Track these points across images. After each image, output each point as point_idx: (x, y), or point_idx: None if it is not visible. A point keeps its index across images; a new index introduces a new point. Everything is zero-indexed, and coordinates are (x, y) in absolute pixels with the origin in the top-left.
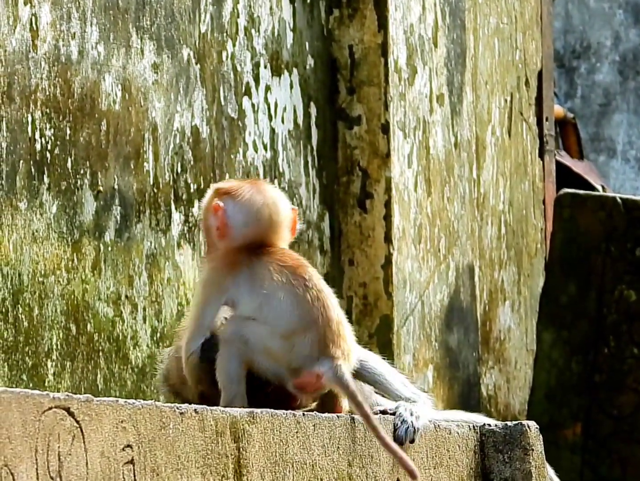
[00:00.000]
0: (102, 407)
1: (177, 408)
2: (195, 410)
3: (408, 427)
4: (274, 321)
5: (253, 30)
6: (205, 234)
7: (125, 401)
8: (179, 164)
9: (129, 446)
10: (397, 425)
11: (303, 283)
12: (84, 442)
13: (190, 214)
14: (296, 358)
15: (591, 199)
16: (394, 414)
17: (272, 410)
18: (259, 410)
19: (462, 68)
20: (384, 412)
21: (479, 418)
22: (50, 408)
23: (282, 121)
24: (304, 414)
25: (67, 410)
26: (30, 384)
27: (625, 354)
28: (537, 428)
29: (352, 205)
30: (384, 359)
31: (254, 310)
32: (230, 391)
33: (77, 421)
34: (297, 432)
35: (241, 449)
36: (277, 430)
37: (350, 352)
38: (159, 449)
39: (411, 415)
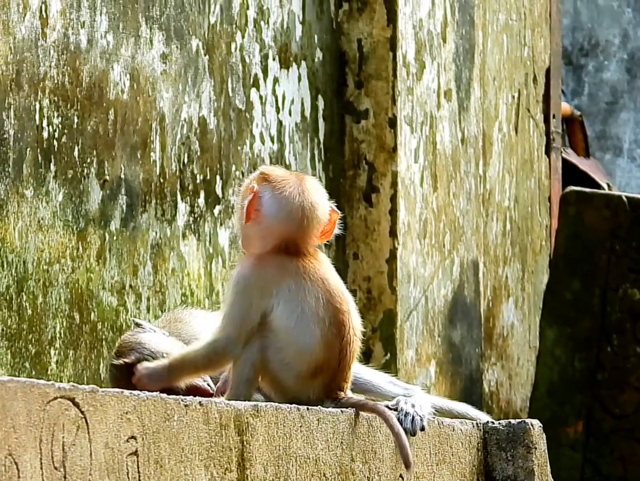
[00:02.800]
0: (107, 398)
1: (182, 400)
2: (199, 402)
3: (413, 418)
4: (298, 347)
5: (262, 22)
6: (237, 215)
7: (130, 393)
8: (186, 155)
9: (133, 437)
10: (401, 419)
11: (337, 316)
12: (88, 433)
13: (196, 204)
14: (301, 394)
15: (597, 197)
16: (395, 410)
17: (277, 404)
18: (263, 404)
19: (470, 64)
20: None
21: (473, 411)
22: (55, 398)
23: (290, 114)
24: (308, 408)
25: (72, 400)
26: (33, 372)
27: (629, 352)
28: (540, 426)
29: (358, 199)
30: (387, 353)
31: (284, 326)
32: (237, 392)
33: (82, 412)
34: (300, 426)
35: (245, 442)
36: (281, 424)
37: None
38: (163, 441)
39: (412, 406)
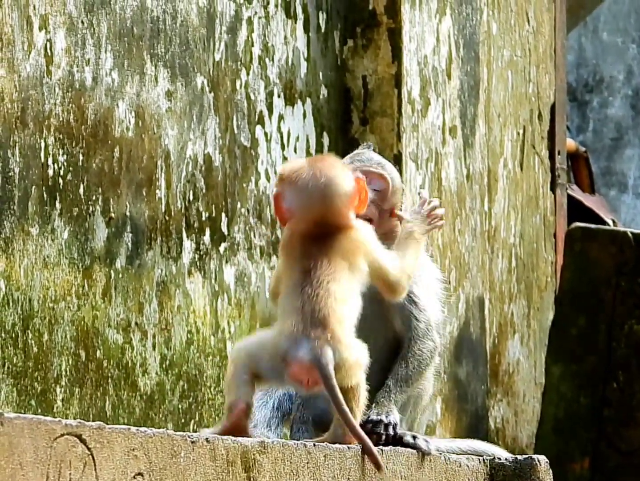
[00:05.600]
0: (113, 435)
1: (189, 437)
2: (206, 439)
3: (426, 439)
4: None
5: (267, 59)
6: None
7: (137, 429)
8: (191, 192)
9: (139, 474)
10: (409, 442)
11: (311, 272)
12: (95, 469)
13: (202, 242)
14: (281, 342)
15: (602, 233)
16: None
17: (283, 440)
18: (269, 440)
19: (475, 100)
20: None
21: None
22: (62, 435)
23: (295, 150)
24: (314, 444)
25: (79, 436)
26: (39, 410)
27: (634, 388)
28: (547, 462)
29: None
30: None
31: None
32: (230, 396)
33: (89, 448)
34: (307, 463)
35: (252, 479)
36: (287, 460)
37: (338, 337)
38: (170, 477)
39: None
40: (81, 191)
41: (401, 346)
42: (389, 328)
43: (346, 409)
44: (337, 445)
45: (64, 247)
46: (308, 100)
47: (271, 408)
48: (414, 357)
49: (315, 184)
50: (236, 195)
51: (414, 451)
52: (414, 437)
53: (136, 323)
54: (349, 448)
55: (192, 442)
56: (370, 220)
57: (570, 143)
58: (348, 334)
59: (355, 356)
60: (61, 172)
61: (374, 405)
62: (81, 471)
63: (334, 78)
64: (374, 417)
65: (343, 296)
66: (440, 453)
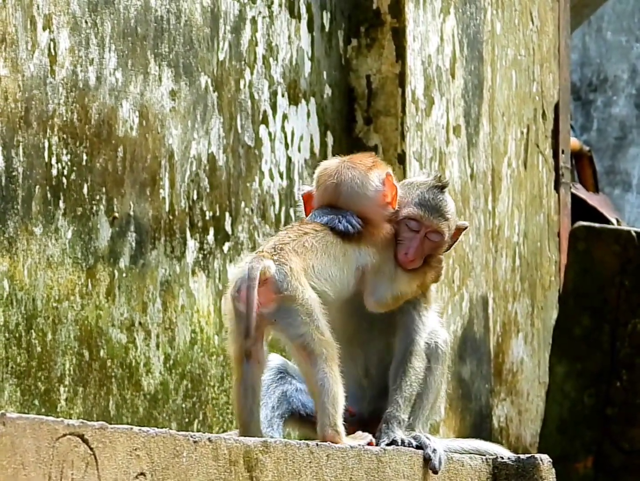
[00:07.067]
0: (116, 434)
1: (191, 437)
2: (209, 438)
3: (440, 456)
4: None
5: (271, 59)
6: None
7: (140, 429)
8: (195, 192)
9: (142, 474)
10: (429, 455)
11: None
12: (97, 469)
13: (206, 241)
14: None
15: (606, 232)
16: (420, 446)
17: (286, 440)
18: (272, 440)
19: (479, 99)
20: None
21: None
22: (64, 435)
23: (299, 150)
24: (317, 444)
25: (82, 436)
26: (43, 410)
27: (638, 388)
28: (549, 461)
29: None
30: None
31: None
32: None
33: (91, 448)
34: (310, 462)
35: (254, 478)
36: (290, 460)
37: (289, 262)
38: (172, 477)
39: (428, 439)
40: (85, 190)
41: (396, 358)
42: (387, 337)
43: (252, 307)
44: (338, 445)
45: (67, 246)
46: (312, 99)
47: (270, 408)
48: (413, 371)
49: (336, 182)
50: (240, 194)
51: (418, 451)
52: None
53: (140, 323)
54: (351, 447)
55: (195, 442)
56: (413, 260)
57: (574, 142)
58: (310, 273)
59: (307, 295)
60: (65, 172)
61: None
62: (83, 471)
63: (338, 77)
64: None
65: (319, 250)
66: (445, 453)
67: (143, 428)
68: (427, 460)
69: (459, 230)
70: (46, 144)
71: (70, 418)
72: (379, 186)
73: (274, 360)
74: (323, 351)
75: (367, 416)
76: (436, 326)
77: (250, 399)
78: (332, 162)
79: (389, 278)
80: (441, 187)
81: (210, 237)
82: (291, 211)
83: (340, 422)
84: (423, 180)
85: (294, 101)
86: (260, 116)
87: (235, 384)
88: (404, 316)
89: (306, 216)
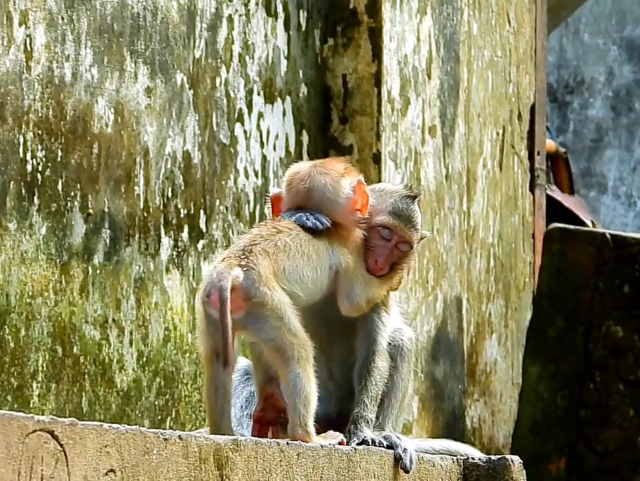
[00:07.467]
0: (86, 431)
1: (162, 434)
2: (179, 436)
3: (411, 455)
4: None
5: (247, 57)
6: None
7: (110, 426)
8: (170, 189)
9: (112, 470)
10: (400, 454)
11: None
12: (67, 466)
13: (180, 239)
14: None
15: (581, 234)
16: (390, 446)
17: (257, 438)
18: (243, 438)
19: (455, 100)
20: (372, 442)
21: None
22: (34, 431)
23: (274, 148)
24: (288, 443)
25: (52, 433)
26: (15, 405)
27: (612, 390)
28: (520, 462)
29: None
30: None
31: None
32: None
33: (61, 445)
34: (280, 461)
35: (224, 476)
36: (260, 458)
37: (258, 267)
38: (142, 474)
39: (399, 438)
40: (59, 186)
41: (359, 359)
42: (351, 337)
43: (228, 335)
44: (309, 444)
45: (41, 243)
46: (288, 98)
47: (239, 407)
48: (378, 371)
49: (308, 187)
50: (215, 192)
51: (388, 450)
52: (395, 446)
53: (113, 320)
54: (322, 446)
55: (165, 439)
56: (381, 268)
57: (550, 144)
58: (280, 275)
59: (276, 300)
60: (40, 168)
61: (355, 424)
62: (53, 468)
63: (314, 76)
64: (367, 437)
65: (292, 248)
66: (415, 452)
67: (113, 425)
68: (397, 460)
69: (422, 239)
70: (21, 140)
71: (43, 414)
72: (350, 193)
73: (241, 362)
74: (295, 353)
75: (335, 417)
76: (400, 324)
77: (221, 398)
78: (304, 166)
79: (363, 281)
80: (413, 197)
81: (185, 234)
82: (266, 209)
83: (311, 423)
84: (394, 188)
85: (269, 99)
86: (236, 114)
87: (206, 383)
88: (364, 319)
89: (274, 217)
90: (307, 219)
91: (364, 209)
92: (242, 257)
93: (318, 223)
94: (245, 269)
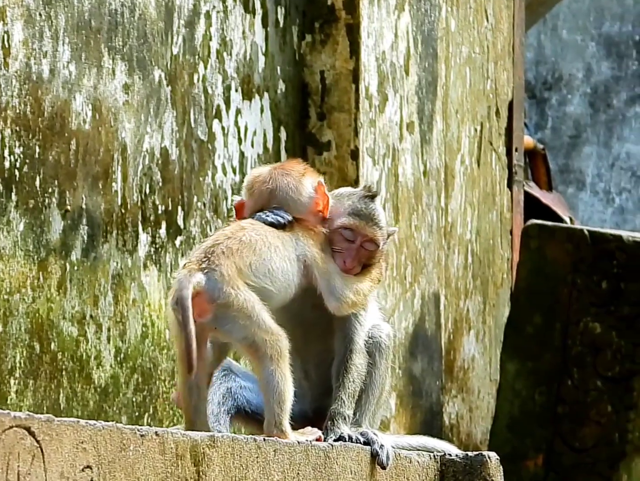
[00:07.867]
0: (62, 427)
1: (138, 430)
2: (156, 432)
3: (388, 451)
4: None
5: (225, 54)
6: None
7: (86, 422)
8: (148, 185)
9: (88, 467)
10: (376, 451)
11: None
12: (43, 462)
13: (158, 235)
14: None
15: (559, 230)
16: (367, 442)
17: (233, 435)
18: (219, 434)
19: (432, 96)
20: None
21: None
22: (10, 427)
23: (252, 145)
24: (264, 439)
25: (28, 429)
26: None
27: (589, 386)
28: (497, 458)
29: None
30: None
31: None
32: None
33: (38, 441)
34: (257, 457)
35: (201, 473)
36: (237, 455)
37: (222, 270)
38: (118, 471)
39: (376, 435)
40: (37, 183)
41: (337, 357)
42: (327, 337)
43: (190, 336)
44: (286, 440)
45: (19, 239)
46: (266, 94)
47: (217, 404)
48: (355, 368)
49: (270, 188)
50: (192, 189)
51: (365, 446)
52: (372, 442)
53: (91, 316)
54: (299, 443)
55: (142, 435)
56: (351, 269)
57: (528, 140)
58: (246, 272)
59: (242, 298)
60: (17, 164)
61: (332, 420)
62: (29, 464)
63: (291, 73)
64: (345, 433)
65: (258, 242)
66: (392, 449)
67: (90, 421)
68: (374, 456)
69: (389, 236)
70: None
71: (20, 411)
72: (312, 192)
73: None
74: (268, 350)
75: (312, 414)
76: (378, 321)
77: (195, 397)
78: (263, 170)
79: (338, 275)
80: (372, 196)
81: (163, 231)
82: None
83: (286, 421)
84: (352, 191)
85: (247, 95)
86: (214, 111)
87: (180, 384)
88: (340, 318)
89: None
90: (267, 215)
91: (326, 210)
92: (204, 260)
93: (279, 218)
94: (206, 271)
